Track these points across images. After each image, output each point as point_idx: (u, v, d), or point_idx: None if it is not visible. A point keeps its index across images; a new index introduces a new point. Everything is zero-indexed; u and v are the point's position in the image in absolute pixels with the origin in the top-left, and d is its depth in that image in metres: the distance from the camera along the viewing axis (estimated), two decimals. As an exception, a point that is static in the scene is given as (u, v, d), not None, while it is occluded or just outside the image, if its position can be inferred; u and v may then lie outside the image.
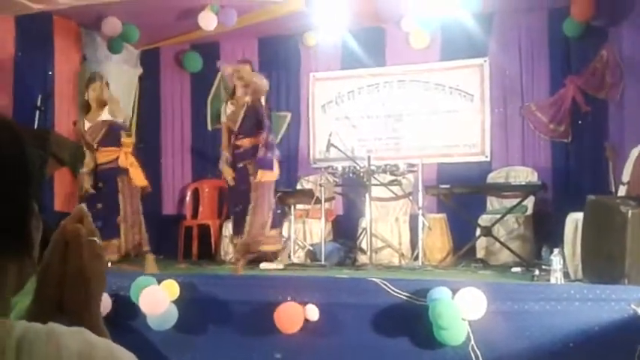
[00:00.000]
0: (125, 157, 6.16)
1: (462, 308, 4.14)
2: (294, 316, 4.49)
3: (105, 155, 6.16)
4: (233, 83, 6.18)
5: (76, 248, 1.04)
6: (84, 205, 1.11)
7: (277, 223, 6.18)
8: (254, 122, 5.97)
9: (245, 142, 6.00)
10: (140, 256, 6.17)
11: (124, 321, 4.64)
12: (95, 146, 6.17)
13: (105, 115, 6.18)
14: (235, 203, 6.14)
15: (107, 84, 6.33)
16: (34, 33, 7.30)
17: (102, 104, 6.20)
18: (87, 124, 6.22)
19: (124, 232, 6.05)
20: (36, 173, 0.96)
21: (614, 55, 7.18)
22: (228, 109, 6.19)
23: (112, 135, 6.19)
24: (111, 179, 6.10)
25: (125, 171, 6.12)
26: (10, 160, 0.93)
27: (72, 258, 1.03)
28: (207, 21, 7.49)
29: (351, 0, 6.97)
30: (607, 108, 7.38)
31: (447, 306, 4.16)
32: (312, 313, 4.48)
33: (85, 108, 6.32)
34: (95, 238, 1.06)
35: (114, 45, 8.11)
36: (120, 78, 8.53)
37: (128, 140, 6.34)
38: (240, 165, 6.00)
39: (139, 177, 6.21)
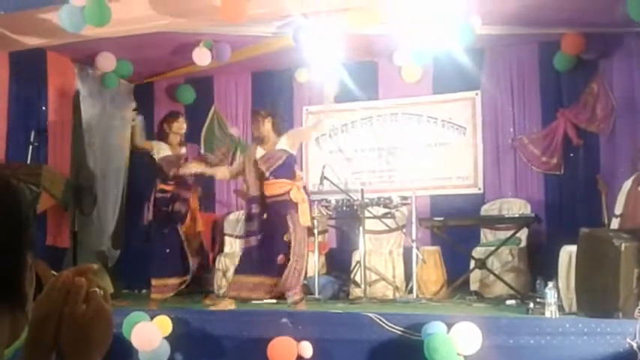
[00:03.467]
0: (297, 191, 5.81)
1: (457, 343, 4.13)
2: (287, 349, 4.46)
3: (277, 187, 5.86)
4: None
5: (74, 299, 1.03)
6: (100, 267, 1.10)
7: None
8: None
9: None
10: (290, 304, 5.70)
11: (116, 358, 4.59)
12: (267, 175, 5.86)
13: (282, 145, 5.93)
14: None
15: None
16: (28, 68, 7.32)
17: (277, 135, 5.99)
18: (260, 152, 5.97)
19: (287, 273, 5.62)
20: (30, 225, 0.95)
21: (605, 88, 7.26)
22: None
23: (286, 167, 5.90)
24: (279, 213, 5.75)
25: (295, 206, 5.74)
26: (2, 213, 0.92)
27: (69, 308, 1.02)
28: (202, 57, 7.53)
29: (343, 35, 7.03)
30: (598, 141, 7.43)
31: (443, 341, 4.14)
32: (306, 350, 4.45)
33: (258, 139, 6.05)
34: (97, 289, 1.05)
35: (108, 80, 8.14)
36: (114, 112, 8.57)
37: (300, 174, 6.10)
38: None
39: (304, 215, 5.78)
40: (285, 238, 5.67)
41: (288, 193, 5.78)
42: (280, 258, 5.66)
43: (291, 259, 5.61)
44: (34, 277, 0.98)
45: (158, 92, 9.14)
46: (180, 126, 6.44)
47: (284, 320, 4.68)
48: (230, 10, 5.60)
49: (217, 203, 8.84)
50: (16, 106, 7.16)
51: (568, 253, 5.24)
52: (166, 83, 9.03)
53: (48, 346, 1.03)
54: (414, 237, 6.90)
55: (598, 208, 6.41)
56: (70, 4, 5.50)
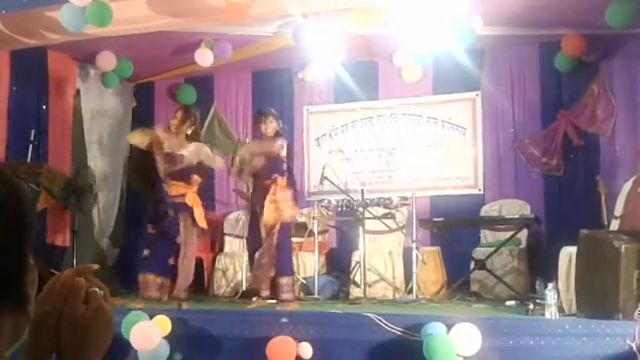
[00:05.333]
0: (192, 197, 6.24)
1: (456, 343, 4.13)
2: (286, 349, 4.46)
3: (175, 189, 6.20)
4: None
5: (74, 299, 1.03)
6: (97, 266, 1.10)
7: None
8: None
9: None
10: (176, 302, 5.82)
11: (115, 357, 4.60)
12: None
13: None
14: None
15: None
16: (29, 67, 7.32)
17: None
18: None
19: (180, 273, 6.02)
20: (32, 226, 0.95)
21: (605, 90, 7.26)
22: None
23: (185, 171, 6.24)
24: (176, 215, 6.08)
25: (190, 210, 6.15)
26: (5, 214, 0.92)
27: (68, 308, 1.02)
28: (204, 57, 7.53)
29: (344, 35, 7.03)
30: (599, 142, 7.43)
31: (442, 341, 4.14)
32: (306, 351, 4.45)
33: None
34: (96, 289, 1.05)
35: (108, 79, 8.14)
36: (114, 111, 8.57)
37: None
38: None
39: (200, 217, 6.23)
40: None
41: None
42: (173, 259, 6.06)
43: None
44: (36, 278, 0.98)
45: (158, 92, 9.14)
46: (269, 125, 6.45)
47: (283, 320, 4.69)
48: (235, 11, 5.60)
49: (217, 203, 8.83)
50: (16, 104, 7.16)
51: (568, 254, 5.24)
52: (167, 83, 9.03)
53: (48, 347, 1.02)
54: (414, 237, 6.90)
55: (598, 209, 6.40)
56: (71, 3, 5.49)
